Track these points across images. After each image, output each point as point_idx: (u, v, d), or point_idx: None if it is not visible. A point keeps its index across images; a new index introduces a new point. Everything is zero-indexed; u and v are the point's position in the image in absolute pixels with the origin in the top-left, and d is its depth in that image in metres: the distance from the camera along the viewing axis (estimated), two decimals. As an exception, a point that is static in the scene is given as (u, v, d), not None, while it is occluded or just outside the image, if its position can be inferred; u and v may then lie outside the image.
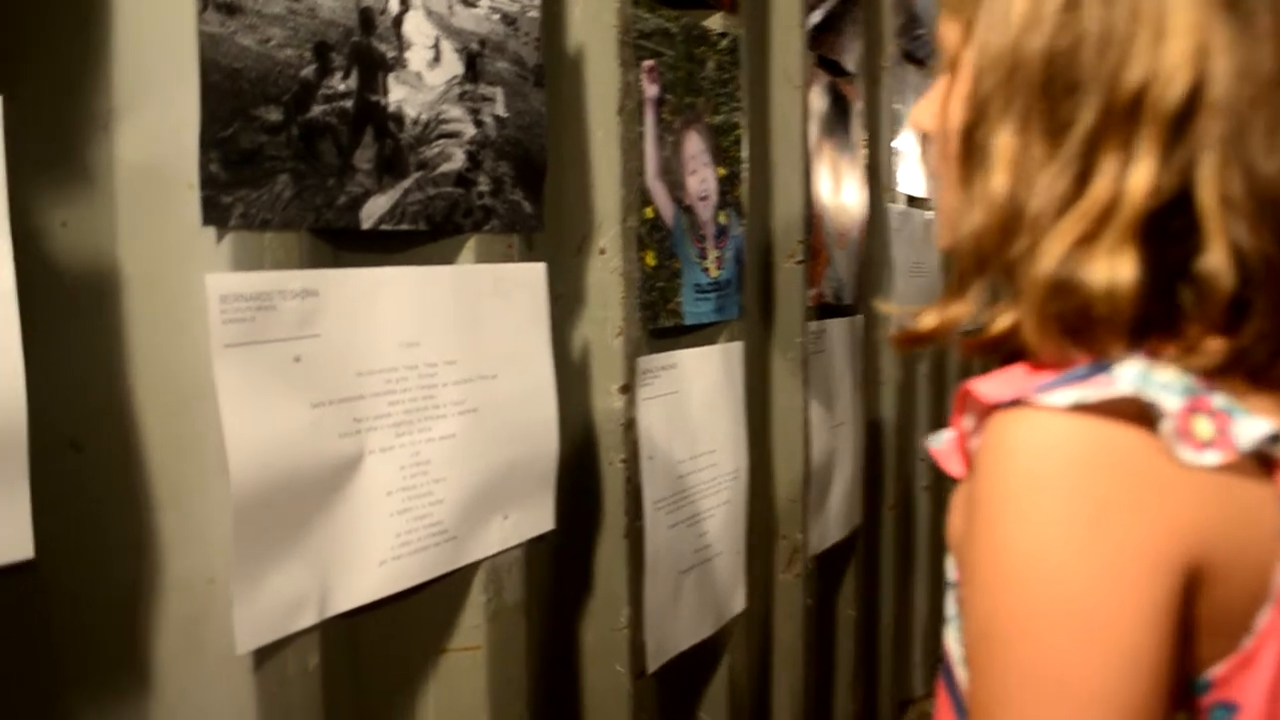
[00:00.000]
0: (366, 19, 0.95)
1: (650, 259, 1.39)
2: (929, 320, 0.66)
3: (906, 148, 2.43)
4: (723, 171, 1.57)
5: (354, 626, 1.06)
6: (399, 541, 1.00)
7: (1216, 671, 0.59)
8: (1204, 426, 0.56)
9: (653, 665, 1.39)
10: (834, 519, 2.05)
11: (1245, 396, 0.58)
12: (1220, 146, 0.58)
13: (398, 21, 0.98)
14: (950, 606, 0.67)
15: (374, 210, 0.96)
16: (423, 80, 1.01)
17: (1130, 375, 0.57)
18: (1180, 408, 0.56)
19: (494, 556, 1.12)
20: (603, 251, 1.31)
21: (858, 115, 2.11)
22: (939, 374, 2.64)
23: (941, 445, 0.69)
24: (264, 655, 0.87)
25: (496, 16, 1.09)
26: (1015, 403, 0.58)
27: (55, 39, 0.81)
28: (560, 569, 1.35)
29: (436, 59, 1.02)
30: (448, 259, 1.07)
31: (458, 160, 1.05)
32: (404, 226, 1.00)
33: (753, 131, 1.68)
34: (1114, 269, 0.58)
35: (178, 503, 0.85)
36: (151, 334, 0.84)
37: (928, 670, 2.64)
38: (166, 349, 0.83)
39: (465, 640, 1.11)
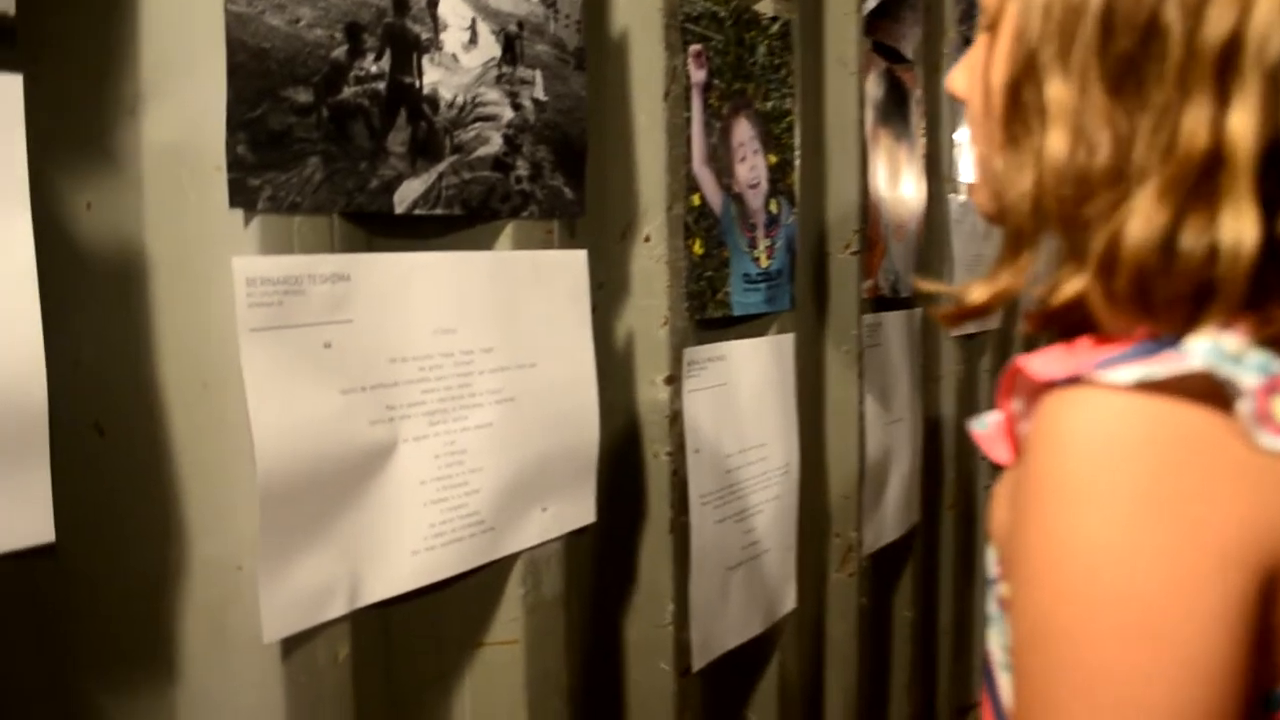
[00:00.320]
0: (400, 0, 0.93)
1: (697, 247, 1.36)
2: (979, 293, 0.61)
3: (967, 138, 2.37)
4: (774, 159, 1.53)
5: (387, 618, 1.04)
6: (433, 532, 0.98)
7: None
8: None
9: (698, 663, 1.36)
10: (890, 517, 2.00)
11: None
12: None
13: (432, 3, 0.96)
14: (991, 606, 0.63)
15: (408, 194, 0.95)
16: (458, 62, 0.99)
17: (1203, 350, 0.52)
18: (1258, 386, 0.51)
19: (532, 549, 1.09)
20: (648, 239, 1.28)
21: (916, 104, 2.05)
22: (1001, 370, 2.57)
23: (986, 429, 0.64)
24: (292, 645, 0.86)
25: (535, -2, 1.07)
26: (1072, 381, 0.53)
27: (82, 21, 0.80)
28: (602, 563, 1.32)
29: (473, 40, 1.00)
30: (485, 245, 1.05)
31: (495, 144, 1.03)
32: (439, 211, 0.98)
33: (805, 118, 1.64)
34: (1239, 228, 0.52)
35: (203, 487, 0.83)
36: (177, 317, 0.83)
37: (989, 674, 2.58)
38: (192, 332, 0.82)
39: (502, 634, 1.09)
